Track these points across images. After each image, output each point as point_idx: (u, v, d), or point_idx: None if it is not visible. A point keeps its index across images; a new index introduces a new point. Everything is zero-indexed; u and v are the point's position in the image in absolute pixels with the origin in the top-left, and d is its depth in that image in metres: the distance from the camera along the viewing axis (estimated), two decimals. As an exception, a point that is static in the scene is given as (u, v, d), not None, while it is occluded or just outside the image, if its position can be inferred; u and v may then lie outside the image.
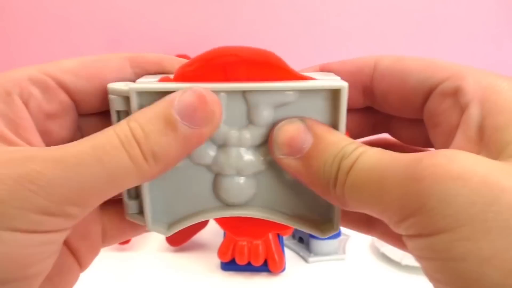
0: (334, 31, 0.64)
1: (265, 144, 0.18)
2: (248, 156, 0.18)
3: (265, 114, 0.17)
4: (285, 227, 0.19)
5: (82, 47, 0.64)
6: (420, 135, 0.19)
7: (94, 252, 0.19)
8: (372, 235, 0.20)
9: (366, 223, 0.20)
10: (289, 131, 0.16)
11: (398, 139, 0.20)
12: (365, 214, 0.19)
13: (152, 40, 0.63)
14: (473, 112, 0.14)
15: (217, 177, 0.18)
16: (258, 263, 0.47)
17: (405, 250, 0.18)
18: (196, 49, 0.56)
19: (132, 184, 0.15)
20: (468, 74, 0.15)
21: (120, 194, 0.19)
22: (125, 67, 0.18)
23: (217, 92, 0.16)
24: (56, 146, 0.14)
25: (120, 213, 0.19)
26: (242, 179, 0.18)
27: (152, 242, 0.54)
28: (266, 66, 0.16)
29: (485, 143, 0.14)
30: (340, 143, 0.16)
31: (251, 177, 0.18)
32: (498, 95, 0.14)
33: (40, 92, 0.16)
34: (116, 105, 0.17)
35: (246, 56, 0.16)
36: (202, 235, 0.52)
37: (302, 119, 0.17)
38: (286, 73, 0.17)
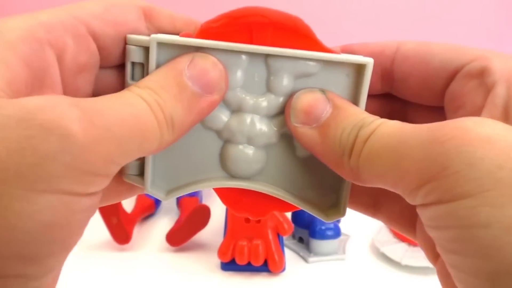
0: (334, 28, 0.64)
1: (281, 115, 0.17)
2: (261, 125, 0.17)
3: (285, 83, 0.16)
4: (288, 207, 0.18)
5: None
6: None
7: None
8: (378, 218, 0.19)
9: (373, 206, 0.19)
10: (309, 99, 0.16)
11: None
12: (372, 196, 0.19)
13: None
14: (500, 92, 0.14)
15: (226, 144, 0.18)
16: (258, 263, 0.47)
17: (412, 236, 0.18)
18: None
19: (151, 152, 0.15)
20: (495, 56, 0.15)
21: None
22: (141, 18, 0.17)
23: (239, 53, 0.16)
24: (89, 99, 0.13)
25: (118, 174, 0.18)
26: (251, 150, 0.17)
27: (152, 242, 0.54)
28: (294, 33, 0.16)
29: None
30: (359, 114, 0.15)
31: (261, 149, 0.18)
32: None
33: (74, 43, 0.15)
34: (133, 56, 0.16)
35: (274, 19, 0.16)
36: (202, 235, 0.52)
37: (323, 90, 0.16)
38: (313, 43, 0.16)
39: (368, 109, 0.17)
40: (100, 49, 0.16)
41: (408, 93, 0.18)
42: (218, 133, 0.17)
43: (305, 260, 0.51)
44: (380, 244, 0.50)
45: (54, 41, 0.14)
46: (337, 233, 0.50)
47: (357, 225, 0.51)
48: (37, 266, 0.12)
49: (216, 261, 0.49)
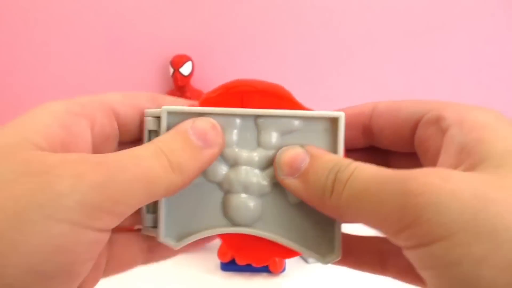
0: (334, 30, 0.64)
1: (271, 167, 0.20)
2: (255, 176, 0.20)
3: (273, 138, 0.19)
4: (289, 253, 0.20)
5: (83, 47, 0.64)
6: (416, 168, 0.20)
7: (93, 283, 0.19)
8: (387, 275, 0.21)
9: (379, 263, 0.21)
10: (290, 153, 0.19)
11: None
12: (377, 254, 0.21)
13: (152, 40, 0.63)
14: (453, 132, 0.16)
15: (226, 195, 0.20)
16: (258, 263, 0.47)
17: (422, 286, 0.19)
18: (196, 49, 0.56)
19: (161, 194, 0.17)
20: (448, 105, 0.18)
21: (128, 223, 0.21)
22: (150, 103, 0.21)
23: (233, 115, 0.19)
24: (100, 154, 0.16)
25: (130, 240, 0.20)
26: (248, 198, 0.20)
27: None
28: (276, 97, 0.20)
29: (466, 155, 0.15)
30: (334, 159, 0.18)
31: (258, 198, 0.20)
32: (475, 117, 0.16)
33: (102, 117, 0.19)
34: (149, 125, 0.20)
35: (259, 87, 0.20)
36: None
37: (302, 145, 0.19)
38: (293, 104, 0.20)
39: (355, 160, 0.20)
40: (120, 125, 0.20)
41: (385, 143, 0.21)
42: (219, 185, 0.20)
43: (305, 260, 0.51)
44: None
45: (87, 114, 0.18)
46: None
47: (357, 225, 0.51)
48: (48, 283, 0.14)
49: (216, 261, 0.49)
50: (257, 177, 0.20)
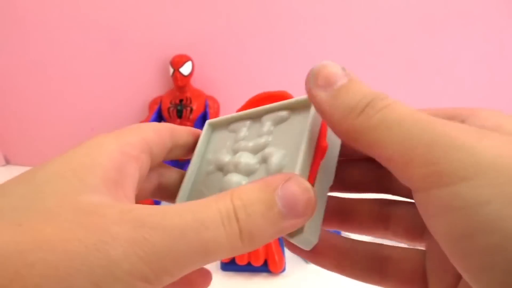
0: (333, 31, 0.64)
1: (261, 151, 0.21)
2: (244, 157, 0.21)
3: (265, 127, 0.21)
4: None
5: (83, 47, 0.64)
6: None
7: None
8: (384, 285, 0.20)
9: (379, 271, 0.20)
10: (330, 68, 0.18)
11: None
12: (377, 261, 0.20)
13: (152, 40, 0.63)
14: (469, 122, 0.16)
15: (222, 177, 0.21)
16: (258, 263, 0.47)
17: None
18: (196, 49, 0.56)
19: (221, 258, 0.16)
20: (456, 110, 0.18)
21: None
22: (169, 136, 0.22)
23: (243, 119, 0.23)
24: (161, 211, 0.15)
25: None
26: (235, 176, 0.21)
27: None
28: (282, 97, 0.22)
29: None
30: (372, 90, 0.16)
31: (245, 176, 0.21)
32: (484, 111, 0.16)
33: (147, 158, 0.19)
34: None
35: (270, 94, 0.23)
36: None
37: (343, 67, 0.18)
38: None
39: (353, 172, 0.21)
40: (152, 163, 0.20)
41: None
42: (222, 169, 0.22)
43: (305, 260, 0.51)
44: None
45: (136, 156, 0.18)
46: (336, 233, 0.50)
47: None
48: None
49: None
50: (245, 157, 0.21)
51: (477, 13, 0.63)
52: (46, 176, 0.15)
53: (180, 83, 0.61)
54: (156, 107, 0.63)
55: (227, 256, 0.16)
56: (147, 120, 0.62)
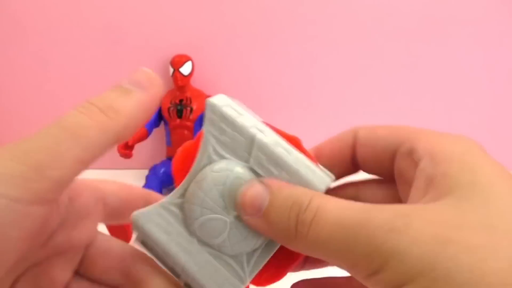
0: (332, 30, 0.64)
1: None
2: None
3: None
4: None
5: (82, 46, 0.64)
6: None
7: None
8: None
9: None
10: (250, 193, 0.18)
11: None
12: None
13: (152, 40, 0.63)
14: (423, 165, 0.17)
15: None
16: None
17: None
18: (196, 49, 0.56)
19: (97, 139, 0.16)
20: (421, 135, 0.18)
21: None
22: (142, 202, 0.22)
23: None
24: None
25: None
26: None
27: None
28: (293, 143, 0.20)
29: (433, 189, 0.16)
30: (293, 195, 0.17)
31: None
32: (444, 149, 0.17)
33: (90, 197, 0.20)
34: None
35: (284, 134, 0.20)
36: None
37: (260, 179, 0.18)
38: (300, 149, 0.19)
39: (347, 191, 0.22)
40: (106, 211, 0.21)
41: (372, 172, 0.21)
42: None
43: (305, 260, 0.51)
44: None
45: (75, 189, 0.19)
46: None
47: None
48: None
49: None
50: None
51: (477, 16, 0.63)
52: None
53: (180, 83, 0.61)
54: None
55: (103, 134, 0.16)
56: (147, 120, 0.62)
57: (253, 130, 0.18)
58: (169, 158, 0.64)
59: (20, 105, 0.68)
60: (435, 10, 0.62)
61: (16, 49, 0.64)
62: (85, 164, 0.16)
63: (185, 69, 0.61)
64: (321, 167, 0.19)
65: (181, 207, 0.19)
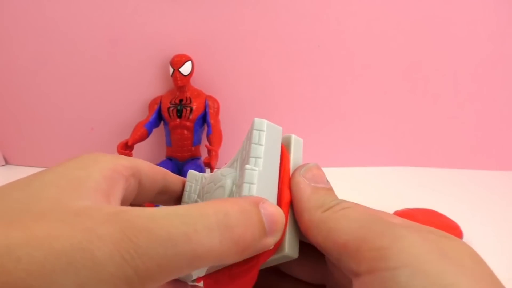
0: (333, 30, 0.64)
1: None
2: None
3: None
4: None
5: (82, 46, 0.64)
6: None
7: None
8: None
9: None
10: (320, 171, 0.21)
11: None
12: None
13: (152, 40, 0.63)
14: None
15: None
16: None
17: None
18: (196, 49, 0.56)
19: (208, 265, 0.16)
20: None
21: None
22: (163, 178, 0.24)
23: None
24: (149, 213, 0.15)
25: None
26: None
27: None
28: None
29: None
30: (340, 199, 0.20)
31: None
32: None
33: (135, 183, 0.21)
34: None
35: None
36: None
37: (327, 180, 0.21)
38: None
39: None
40: (139, 190, 0.21)
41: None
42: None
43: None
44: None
45: (127, 177, 0.19)
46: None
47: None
48: None
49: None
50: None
51: (477, 17, 0.63)
52: (41, 184, 0.16)
53: (180, 83, 0.61)
54: (156, 107, 0.63)
55: (213, 264, 0.15)
56: (147, 120, 0.62)
57: (252, 160, 0.20)
58: (169, 158, 0.64)
59: (19, 104, 0.68)
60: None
61: (15, 49, 0.64)
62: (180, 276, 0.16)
63: (185, 69, 0.61)
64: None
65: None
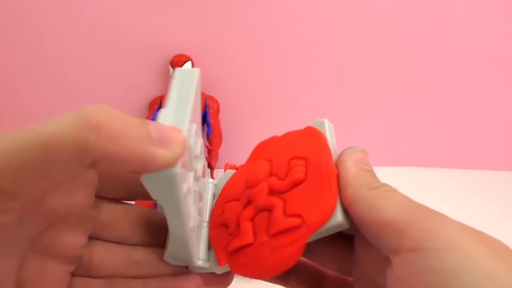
0: (333, 29, 0.64)
1: None
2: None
3: None
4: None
5: (82, 46, 0.64)
6: None
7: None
8: None
9: (316, 285, 0.24)
10: (367, 155, 0.22)
11: None
12: (317, 275, 0.25)
13: (152, 40, 0.63)
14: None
15: None
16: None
17: None
18: (197, 49, 0.56)
19: (66, 153, 0.14)
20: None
21: None
22: None
23: None
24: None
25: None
26: None
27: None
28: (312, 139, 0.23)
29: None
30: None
31: None
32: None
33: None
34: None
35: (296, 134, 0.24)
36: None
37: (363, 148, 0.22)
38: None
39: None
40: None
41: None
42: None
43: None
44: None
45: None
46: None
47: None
48: None
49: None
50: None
51: (478, 16, 0.63)
52: None
53: (180, 83, 0.60)
54: (156, 107, 0.63)
55: (72, 152, 0.14)
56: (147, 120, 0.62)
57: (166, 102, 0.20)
58: (169, 158, 0.64)
59: (19, 104, 0.68)
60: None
61: (15, 48, 0.64)
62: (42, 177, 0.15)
63: (185, 69, 0.61)
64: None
65: None
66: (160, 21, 0.62)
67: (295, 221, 0.20)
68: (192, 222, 0.20)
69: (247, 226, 0.21)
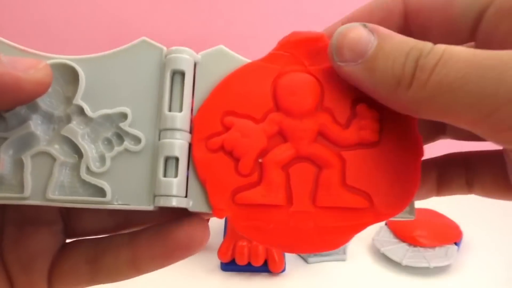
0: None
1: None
2: None
3: None
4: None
5: (82, 46, 0.64)
6: None
7: None
8: (473, 193, 0.18)
9: (466, 184, 0.18)
10: (351, 33, 0.15)
11: None
12: (463, 172, 0.18)
13: (151, 38, 0.63)
14: None
15: None
16: (258, 263, 0.47)
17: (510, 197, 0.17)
18: (197, 49, 0.56)
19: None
20: None
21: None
22: None
23: None
24: None
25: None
26: None
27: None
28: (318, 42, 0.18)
29: None
30: (410, 41, 0.14)
31: None
32: None
33: None
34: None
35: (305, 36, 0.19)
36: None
37: (364, 24, 0.15)
38: None
39: None
40: None
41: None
42: None
43: (305, 260, 0.51)
44: (380, 245, 0.50)
45: None
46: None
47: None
48: None
49: (216, 261, 0.49)
50: None
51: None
52: None
53: (180, 83, 0.60)
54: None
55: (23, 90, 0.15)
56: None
57: None
58: (169, 158, 0.64)
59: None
60: None
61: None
62: None
63: (185, 69, 0.60)
64: None
65: None
66: (159, 20, 0.62)
67: (360, 201, 0.15)
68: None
69: (278, 177, 0.16)
